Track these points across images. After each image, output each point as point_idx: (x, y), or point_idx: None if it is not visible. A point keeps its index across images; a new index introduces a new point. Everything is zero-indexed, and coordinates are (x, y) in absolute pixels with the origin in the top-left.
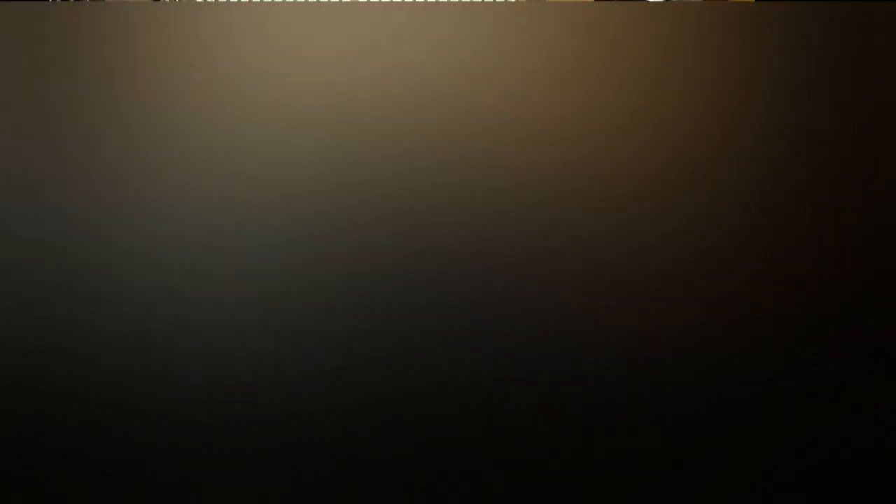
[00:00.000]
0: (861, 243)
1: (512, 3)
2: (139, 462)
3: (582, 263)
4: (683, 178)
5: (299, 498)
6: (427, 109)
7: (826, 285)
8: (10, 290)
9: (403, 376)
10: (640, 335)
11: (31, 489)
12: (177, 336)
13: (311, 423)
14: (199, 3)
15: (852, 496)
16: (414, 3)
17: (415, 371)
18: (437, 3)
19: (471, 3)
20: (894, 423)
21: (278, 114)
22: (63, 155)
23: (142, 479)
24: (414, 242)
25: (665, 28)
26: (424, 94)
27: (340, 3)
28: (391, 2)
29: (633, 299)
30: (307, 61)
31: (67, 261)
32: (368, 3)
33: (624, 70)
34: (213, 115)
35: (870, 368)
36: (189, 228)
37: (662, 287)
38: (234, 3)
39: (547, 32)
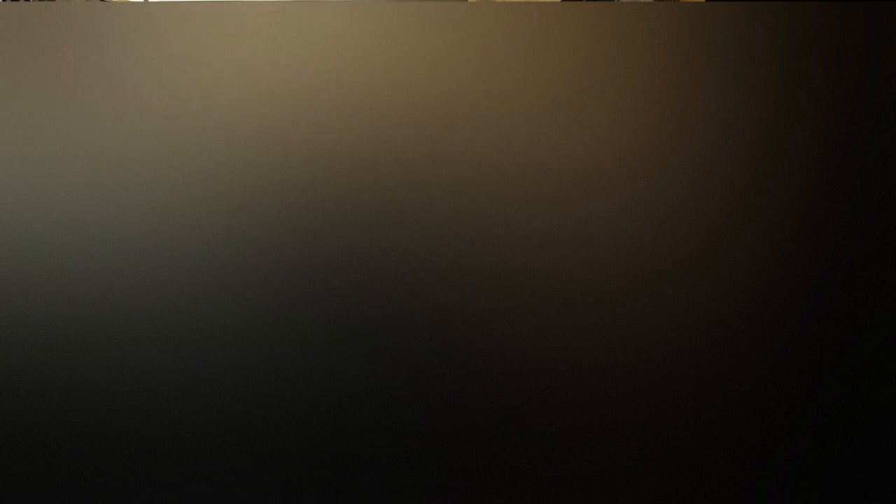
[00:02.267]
0: (863, 243)
1: (513, 3)
2: (135, 463)
3: (581, 264)
4: (684, 179)
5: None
6: (424, 109)
7: (829, 286)
8: (4, 289)
9: (402, 378)
10: (639, 334)
11: (31, 490)
12: (175, 337)
13: (309, 424)
14: (198, 3)
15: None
16: (413, 3)
17: (412, 372)
18: (436, 3)
19: (471, 3)
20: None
21: (277, 113)
22: (61, 154)
23: (139, 480)
24: (414, 242)
25: (664, 28)
26: (422, 94)
27: (339, 3)
28: (391, 2)
29: (633, 301)
30: (305, 60)
31: (66, 261)
32: (368, 2)
33: (623, 70)
34: (211, 114)
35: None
36: (186, 228)
37: (663, 288)
38: (232, 3)
39: (547, 32)
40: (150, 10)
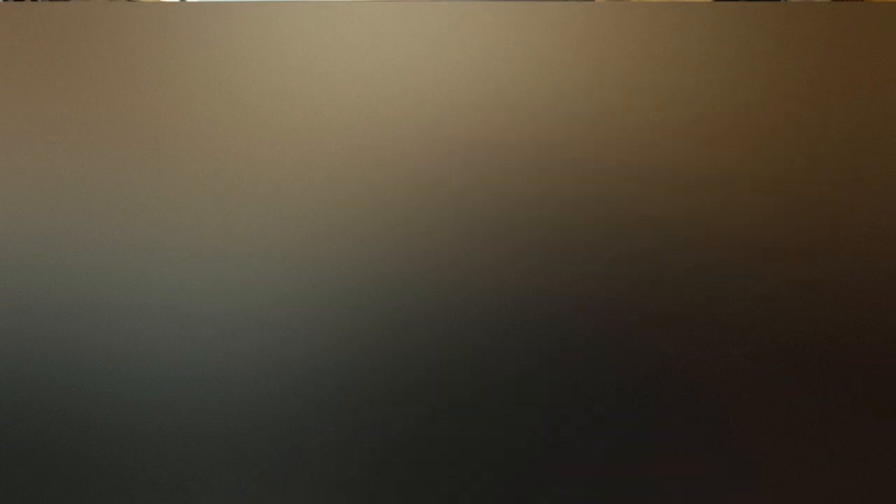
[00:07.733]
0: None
1: (512, 3)
2: (137, 465)
3: (584, 265)
4: (686, 180)
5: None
6: (425, 109)
7: (830, 285)
8: (4, 291)
9: (406, 380)
10: (642, 334)
11: (33, 491)
12: (177, 339)
13: (311, 426)
14: (200, 3)
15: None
16: (415, 3)
17: (416, 374)
18: (437, 3)
19: (471, 3)
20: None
21: (280, 114)
22: (61, 156)
23: (140, 482)
24: (416, 243)
25: (665, 28)
26: (422, 94)
27: (342, 3)
28: (393, 2)
29: (633, 302)
30: (308, 61)
31: (67, 263)
32: (370, 3)
33: (625, 70)
34: (213, 115)
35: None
36: (189, 229)
37: (662, 289)
38: (234, 3)
39: (547, 32)
40: (153, 10)
